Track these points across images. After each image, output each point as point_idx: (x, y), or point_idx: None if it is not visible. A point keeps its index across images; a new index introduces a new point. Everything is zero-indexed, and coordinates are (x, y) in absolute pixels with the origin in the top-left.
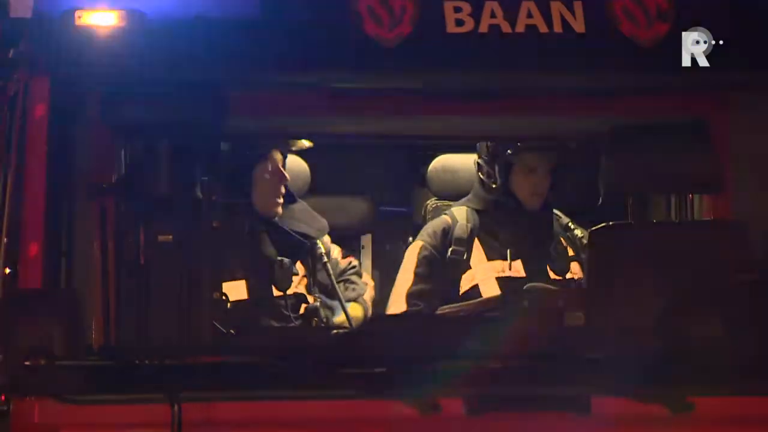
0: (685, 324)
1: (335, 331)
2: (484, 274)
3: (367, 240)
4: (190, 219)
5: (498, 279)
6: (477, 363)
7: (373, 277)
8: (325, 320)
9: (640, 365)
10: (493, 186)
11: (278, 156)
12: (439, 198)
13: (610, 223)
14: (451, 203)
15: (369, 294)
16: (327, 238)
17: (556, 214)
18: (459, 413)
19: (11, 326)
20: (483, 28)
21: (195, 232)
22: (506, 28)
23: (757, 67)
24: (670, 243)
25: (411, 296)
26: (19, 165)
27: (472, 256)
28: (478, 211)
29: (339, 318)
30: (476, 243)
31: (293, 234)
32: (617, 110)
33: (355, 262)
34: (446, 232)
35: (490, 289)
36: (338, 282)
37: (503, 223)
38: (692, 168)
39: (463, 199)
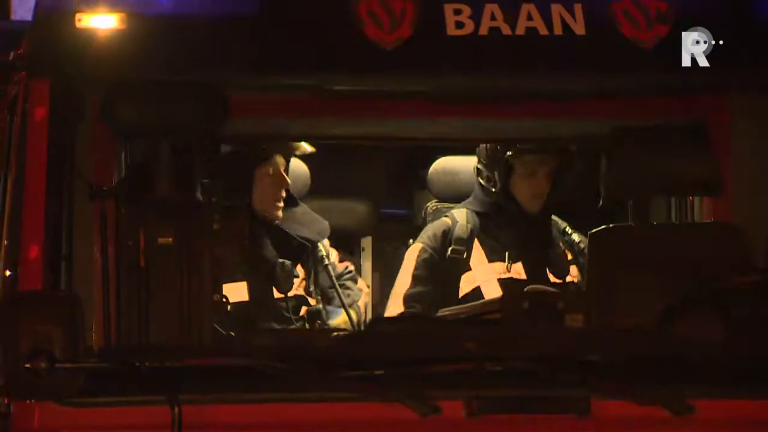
0: (685, 326)
1: (335, 333)
2: (486, 276)
3: (367, 242)
4: (190, 221)
5: (500, 281)
6: (476, 365)
7: (373, 280)
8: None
9: (640, 367)
10: (493, 190)
11: (280, 160)
12: (440, 200)
13: (611, 225)
14: (451, 205)
15: (363, 300)
16: (326, 242)
17: (554, 219)
18: (458, 416)
19: (11, 328)
20: (483, 30)
21: (195, 234)
22: (506, 30)
23: (758, 68)
24: (671, 245)
25: (408, 298)
26: (19, 167)
27: (472, 256)
28: (478, 213)
29: (335, 321)
30: (476, 244)
31: (294, 237)
32: (618, 112)
33: (351, 267)
34: (446, 233)
35: (493, 291)
36: (332, 287)
37: (504, 226)
38: (693, 170)
39: (464, 202)
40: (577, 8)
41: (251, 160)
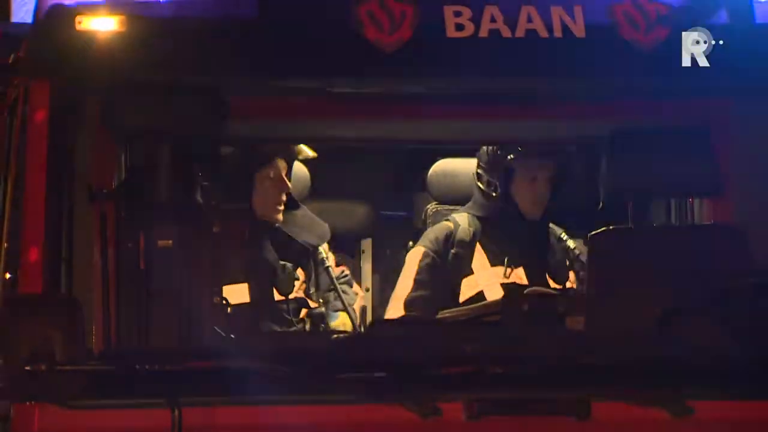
0: (685, 328)
1: (336, 336)
2: (488, 280)
3: (367, 244)
4: (190, 224)
5: (503, 285)
6: (477, 367)
7: (372, 281)
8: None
9: (640, 369)
10: (494, 195)
11: (282, 164)
12: (440, 202)
13: (610, 227)
14: (451, 207)
15: (358, 303)
16: (325, 245)
17: (550, 226)
18: (459, 418)
19: (12, 331)
20: (483, 32)
21: (195, 236)
22: (506, 32)
23: (758, 69)
24: (671, 247)
25: (410, 302)
26: (19, 169)
27: (475, 260)
28: (479, 218)
29: (332, 324)
30: (478, 248)
31: (295, 240)
32: (618, 115)
33: (347, 271)
34: (448, 237)
35: (495, 295)
36: (329, 290)
37: (505, 231)
38: (693, 172)
39: (464, 207)
40: (577, 11)
41: (252, 163)
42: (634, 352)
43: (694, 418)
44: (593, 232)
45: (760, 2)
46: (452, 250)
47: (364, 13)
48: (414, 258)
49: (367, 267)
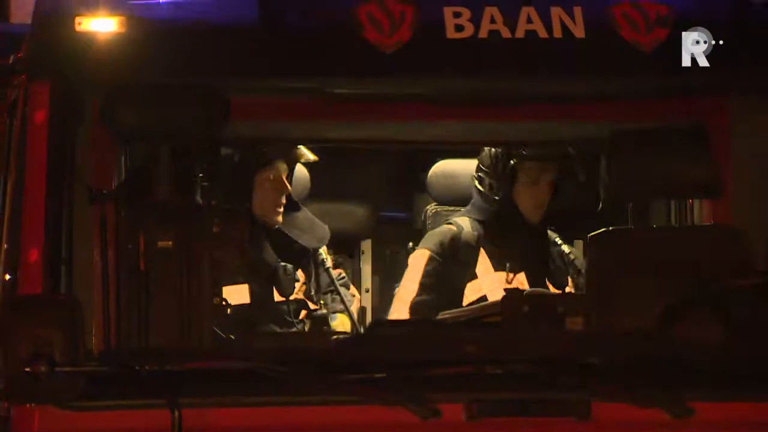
0: (685, 329)
1: (336, 336)
2: (491, 285)
3: (367, 245)
4: (190, 224)
5: (506, 290)
6: (477, 368)
7: (372, 282)
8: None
9: (639, 370)
10: (496, 198)
11: (282, 166)
12: (439, 203)
13: (610, 228)
14: (451, 209)
15: (355, 306)
16: (324, 246)
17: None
18: (459, 419)
19: (11, 332)
20: (483, 33)
21: (195, 237)
22: (506, 33)
23: (757, 70)
24: (670, 248)
25: (416, 306)
26: (19, 170)
27: (478, 265)
28: (480, 222)
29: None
30: (482, 253)
31: (295, 240)
32: (617, 115)
33: (344, 274)
34: (454, 240)
35: None
36: (326, 293)
37: (507, 235)
38: (692, 173)
39: (464, 210)
40: (577, 11)
41: (252, 164)
42: (634, 352)
43: (693, 419)
44: (592, 233)
45: (760, 3)
46: (457, 255)
47: (363, 14)
48: (419, 261)
49: (366, 268)
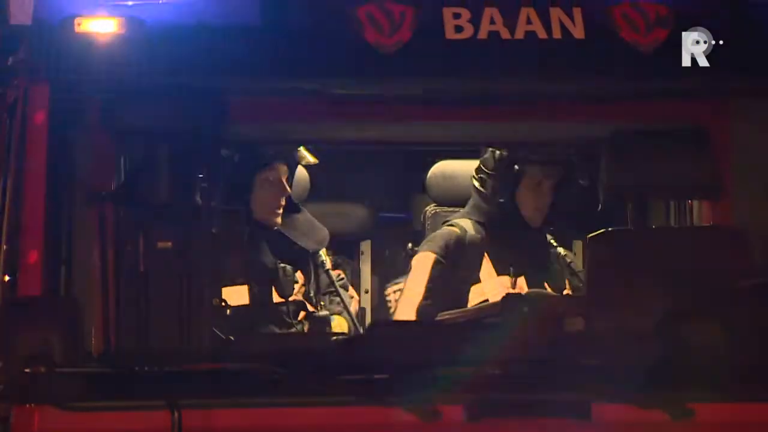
0: (685, 330)
1: (335, 338)
2: (494, 290)
3: (366, 246)
4: (189, 225)
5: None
6: (477, 369)
7: (372, 283)
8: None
9: (640, 371)
10: (500, 201)
11: (282, 168)
12: (439, 204)
13: (609, 229)
14: (450, 209)
15: (353, 307)
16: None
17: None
18: (459, 420)
19: (11, 333)
20: (482, 34)
21: (195, 238)
22: (506, 34)
23: (757, 71)
24: (670, 249)
25: (422, 310)
26: (18, 171)
27: (482, 269)
28: (481, 224)
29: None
30: (486, 256)
31: (295, 242)
32: (617, 116)
33: (343, 275)
34: (458, 243)
35: None
36: (325, 294)
37: (510, 239)
38: (692, 174)
39: (464, 212)
40: (577, 12)
41: (251, 165)
42: (634, 354)
43: (693, 420)
44: (592, 234)
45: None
46: (461, 258)
47: (363, 15)
48: (424, 264)
49: (366, 269)
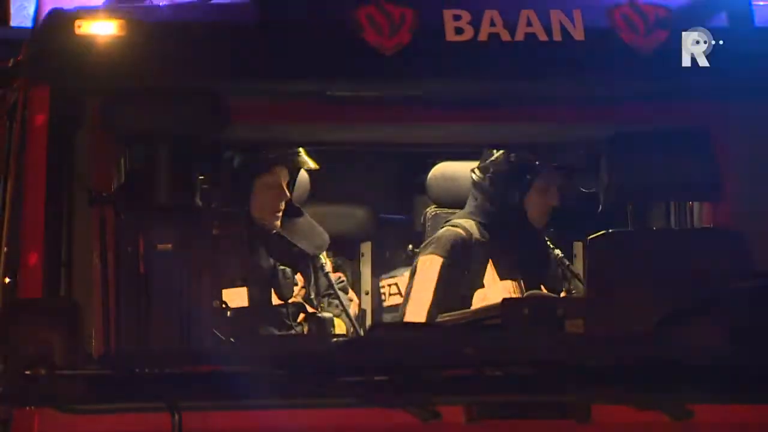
0: (685, 331)
1: (335, 339)
2: (497, 295)
3: (366, 247)
4: (189, 227)
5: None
6: (477, 370)
7: (372, 284)
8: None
9: (639, 372)
10: (508, 203)
11: (283, 172)
12: (439, 205)
13: (609, 230)
14: (450, 211)
15: (353, 310)
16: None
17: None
18: (459, 421)
19: (11, 335)
20: (482, 36)
21: (194, 240)
22: (506, 36)
23: (757, 72)
24: (670, 250)
25: (433, 313)
26: (18, 173)
27: (486, 273)
28: (484, 225)
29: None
30: (490, 260)
31: (294, 244)
32: (617, 117)
33: (343, 278)
34: (464, 246)
35: None
36: (324, 296)
37: (512, 240)
38: (692, 175)
39: (465, 212)
40: (576, 14)
41: (252, 168)
42: (634, 354)
43: (693, 421)
44: (592, 236)
45: (760, 4)
46: (467, 261)
47: (363, 17)
48: (432, 267)
49: (366, 270)
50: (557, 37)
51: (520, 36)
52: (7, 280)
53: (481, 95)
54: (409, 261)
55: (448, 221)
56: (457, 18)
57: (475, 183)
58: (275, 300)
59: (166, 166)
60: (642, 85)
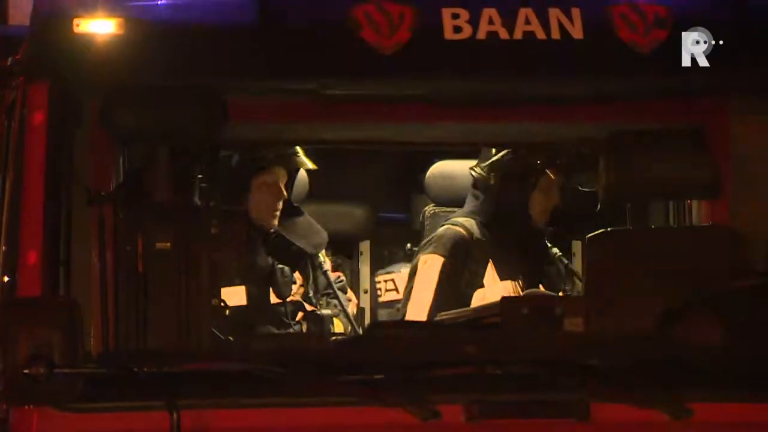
0: (684, 330)
1: (334, 338)
2: (496, 295)
3: (365, 246)
4: (188, 226)
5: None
6: (476, 369)
7: (371, 283)
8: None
9: (639, 371)
10: (512, 202)
11: (281, 172)
12: (438, 204)
13: (608, 229)
14: (449, 210)
15: (351, 309)
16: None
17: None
18: (458, 420)
19: (10, 334)
20: (481, 34)
21: (193, 239)
22: (504, 35)
23: (757, 71)
24: (669, 249)
25: (434, 314)
26: (17, 172)
27: (486, 273)
28: (485, 225)
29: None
30: (490, 261)
31: (293, 243)
32: (616, 116)
33: (342, 277)
34: (466, 246)
35: None
36: (323, 295)
37: (512, 240)
38: (691, 174)
39: (466, 211)
40: (575, 13)
41: (250, 167)
42: (633, 353)
43: (692, 420)
44: (591, 234)
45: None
46: (468, 262)
47: (362, 16)
48: (433, 267)
49: (365, 269)
50: (556, 35)
51: (518, 34)
52: (5, 278)
53: (479, 94)
54: (407, 258)
55: (450, 220)
56: (455, 16)
57: (477, 182)
58: (273, 299)
59: (165, 164)
60: (640, 83)
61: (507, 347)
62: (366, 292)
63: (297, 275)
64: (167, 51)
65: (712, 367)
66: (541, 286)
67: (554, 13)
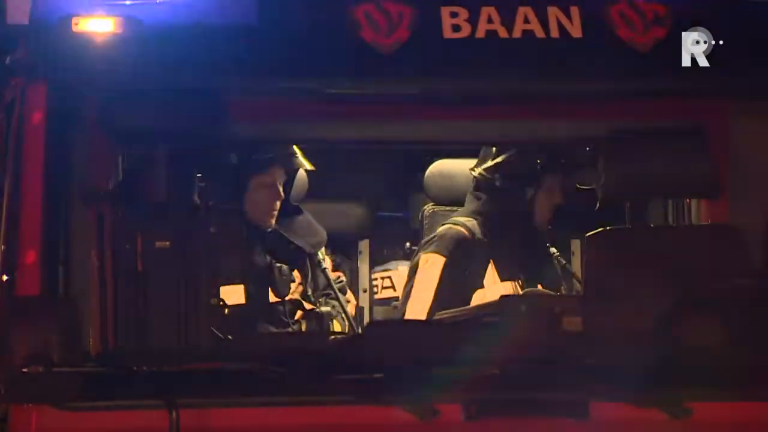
0: (683, 329)
1: (333, 337)
2: (497, 295)
3: (364, 245)
4: (187, 225)
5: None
6: (475, 368)
7: (370, 282)
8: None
9: (638, 370)
10: (515, 202)
11: (279, 172)
12: (437, 203)
13: (607, 228)
14: (448, 209)
15: (350, 309)
16: (322, 248)
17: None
18: (457, 419)
19: (9, 333)
20: (480, 33)
21: (192, 238)
22: (503, 33)
23: (756, 70)
24: (668, 248)
25: (434, 313)
26: (16, 171)
27: (487, 274)
28: (487, 226)
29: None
30: (490, 261)
31: (291, 242)
32: (615, 115)
33: (343, 277)
34: (467, 246)
35: None
36: (323, 295)
37: (513, 240)
38: (690, 173)
39: (467, 210)
40: (574, 11)
41: (248, 167)
42: (632, 352)
43: (691, 419)
44: (590, 233)
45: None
46: (469, 262)
47: (361, 15)
48: (434, 267)
49: (364, 268)
50: (555, 34)
51: (517, 33)
52: (5, 277)
53: (478, 92)
54: (405, 256)
55: (451, 219)
56: (454, 15)
57: (480, 184)
58: (272, 297)
59: (164, 163)
60: (639, 82)
61: (506, 346)
62: (365, 291)
63: (296, 274)
64: (166, 50)
65: (711, 366)
66: (540, 286)
67: (553, 12)
